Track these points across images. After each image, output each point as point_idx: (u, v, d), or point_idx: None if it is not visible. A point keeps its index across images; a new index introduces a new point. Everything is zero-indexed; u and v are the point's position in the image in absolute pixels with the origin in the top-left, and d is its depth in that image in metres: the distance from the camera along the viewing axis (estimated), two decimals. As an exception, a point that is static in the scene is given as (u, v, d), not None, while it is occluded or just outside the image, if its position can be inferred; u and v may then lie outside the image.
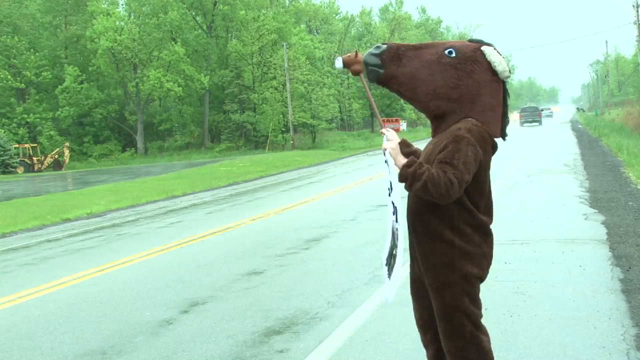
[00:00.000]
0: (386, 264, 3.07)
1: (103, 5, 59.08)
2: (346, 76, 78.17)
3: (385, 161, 2.92)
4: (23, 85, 55.82)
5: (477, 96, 2.85)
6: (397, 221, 2.88)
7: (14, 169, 48.57)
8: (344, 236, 9.81)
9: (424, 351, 4.54)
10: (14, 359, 5.27)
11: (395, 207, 2.91)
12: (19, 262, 10.11)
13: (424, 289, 3.01)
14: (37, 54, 55.94)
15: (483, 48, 2.91)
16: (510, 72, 2.92)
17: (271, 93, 55.50)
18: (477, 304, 2.94)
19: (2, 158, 47.50)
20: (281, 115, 55.85)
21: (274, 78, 56.32)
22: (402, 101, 72.31)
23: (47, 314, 6.61)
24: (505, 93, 2.98)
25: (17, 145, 51.31)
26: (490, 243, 2.95)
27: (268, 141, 54.76)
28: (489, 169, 2.92)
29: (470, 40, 2.99)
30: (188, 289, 7.10)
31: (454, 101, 2.84)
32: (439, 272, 2.86)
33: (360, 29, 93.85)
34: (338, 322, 5.36)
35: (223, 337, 5.26)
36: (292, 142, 52.99)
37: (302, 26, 72.43)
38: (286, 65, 53.02)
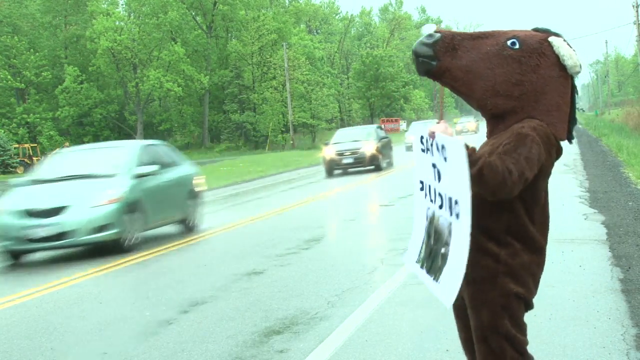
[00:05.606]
0: (423, 266, 2.65)
1: (103, 5, 59.16)
2: (346, 76, 78.25)
3: (425, 149, 2.55)
4: (23, 85, 55.84)
5: (542, 94, 2.53)
6: (457, 217, 2.39)
7: (13, 169, 48.52)
8: (344, 236, 9.80)
9: (424, 351, 4.56)
10: (14, 359, 5.27)
11: (450, 199, 2.44)
12: (20, 262, 10.11)
13: (465, 307, 2.66)
14: (37, 54, 55.96)
15: (551, 39, 2.56)
16: (581, 67, 2.59)
17: (271, 93, 55.58)
18: (520, 328, 2.58)
19: (2, 158, 47.47)
20: (281, 115, 55.94)
21: (274, 78, 56.40)
22: (402, 101, 72.28)
23: (47, 314, 6.61)
24: (573, 90, 2.64)
25: (17, 145, 51.28)
26: (540, 263, 2.61)
27: (268, 141, 54.81)
28: (549, 176, 2.59)
29: (536, 30, 2.64)
30: (188, 289, 7.10)
31: (516, 99, 2.51)
32: (477, 289, 2.55)
33: (360, 29, 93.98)
34: (338, 322, 5.36)
35: (223, 337, 5.26)
36: (291, 142, 53.01)
37: (302, 26, 72.52)
38: (286, 65, 53.05)
